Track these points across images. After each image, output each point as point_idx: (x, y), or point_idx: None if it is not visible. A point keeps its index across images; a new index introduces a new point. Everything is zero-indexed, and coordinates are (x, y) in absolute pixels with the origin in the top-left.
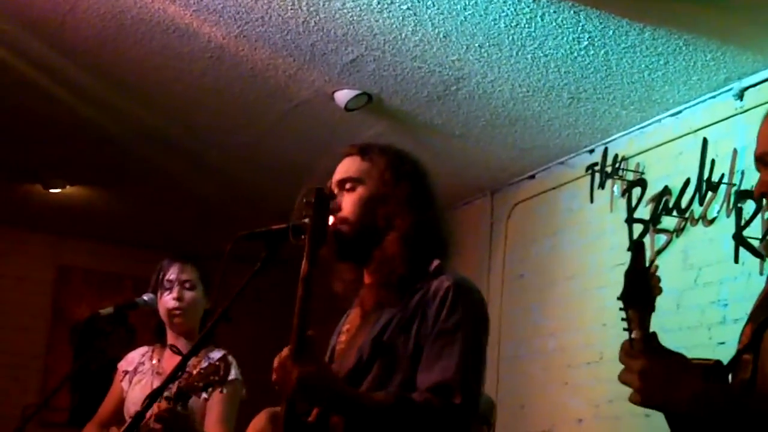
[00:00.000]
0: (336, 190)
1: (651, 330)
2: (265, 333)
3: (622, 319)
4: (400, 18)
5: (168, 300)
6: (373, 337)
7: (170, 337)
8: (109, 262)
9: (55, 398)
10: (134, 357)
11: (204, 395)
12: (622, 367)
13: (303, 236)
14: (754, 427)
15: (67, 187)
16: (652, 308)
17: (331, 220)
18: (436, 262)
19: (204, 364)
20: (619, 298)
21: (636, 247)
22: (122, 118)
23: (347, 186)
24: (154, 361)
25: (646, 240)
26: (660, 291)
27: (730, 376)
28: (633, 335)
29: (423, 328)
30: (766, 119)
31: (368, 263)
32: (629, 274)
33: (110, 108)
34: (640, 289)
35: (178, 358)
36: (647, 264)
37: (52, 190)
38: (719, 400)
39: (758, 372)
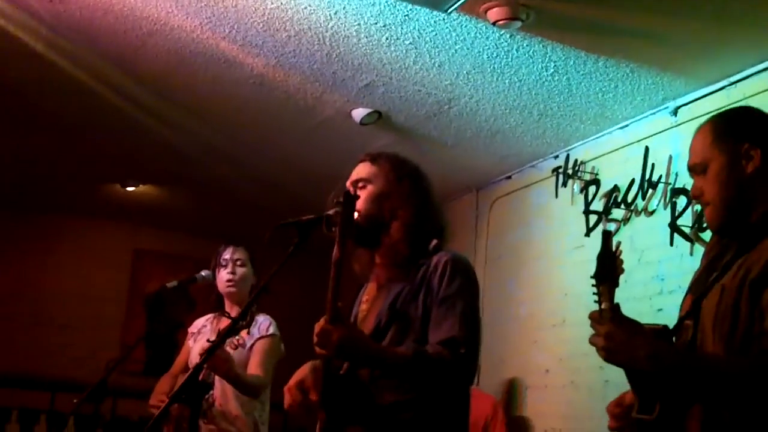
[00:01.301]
0: (351, 190)
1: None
2: (299, 304)
3: (594, 294)
4: (404, 50)
5: (224, 275)
6: (389, 305)
7: (227, 306)
8: (174, 246)
9: (133, 354)
10: (200, 322)
11: (246, 344)
12: (581, 328)
13: (334, 228)
14: (696, 378)
15: (140, 186)
16: (617, 284)
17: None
18: (434, 242)
19: (250, 326)
20: (592, 277)
21: (605, 235)
22: (183, 132)
23: (360, 185)
24: (215, 324)
25: (599, 227)
26: (623, 271)
27: (674, 339)
28: (602, 306)
29: (428, 295)
30: (696, 135)
31: (379, 247)
32: (600, 257)
33: (174, 124)
34: (609, 269)
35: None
36: (614, 249)
37: (128, 188)
38: (670, 357)
39: (698, 334)
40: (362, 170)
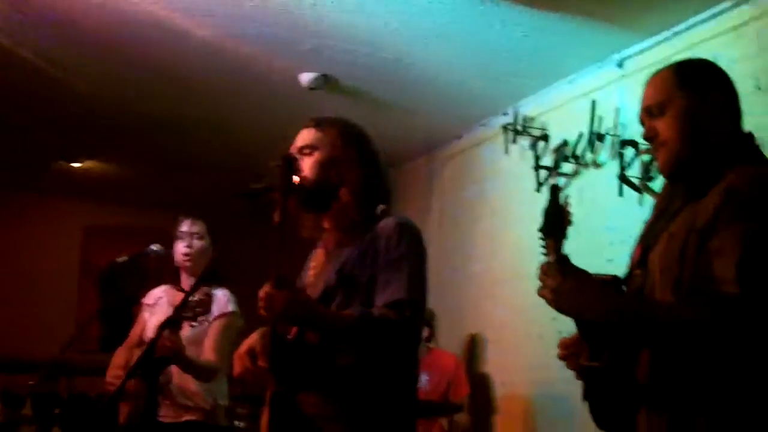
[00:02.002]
0: (297, 156)
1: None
2: (262, 272)
3: (541, 247)
4: (351, 13)
5: (180, 248)
6: (336, 270)
7: (183, 279)
8: (125, 221)
9: (88, 331)
10: (155, 293)
11: (203, 322)
12: (535, 281)
13: (275, 192)
14: (644, 327)
15: (87, 161)
16: (565, 237)
17: (296, 179)
18: (381, 207)
19: (208, 313)
20: (539, 230)
21: (553, 188)
22: (130, 105)
23: (306, 152)
24: (170, 297)
25: (549, 182)
26: (571, 223)
27: (624, 288)
28: (549, 259)
29: (375, 259)
30: (653, 78)
31: (327, 212)
32: (547, 211)
33: (121, 97)
34: (556, 222)
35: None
36: (562, 202)
37: (74, 165)
38: (619, 306)
39: (646, 283)
40: (307, 136)
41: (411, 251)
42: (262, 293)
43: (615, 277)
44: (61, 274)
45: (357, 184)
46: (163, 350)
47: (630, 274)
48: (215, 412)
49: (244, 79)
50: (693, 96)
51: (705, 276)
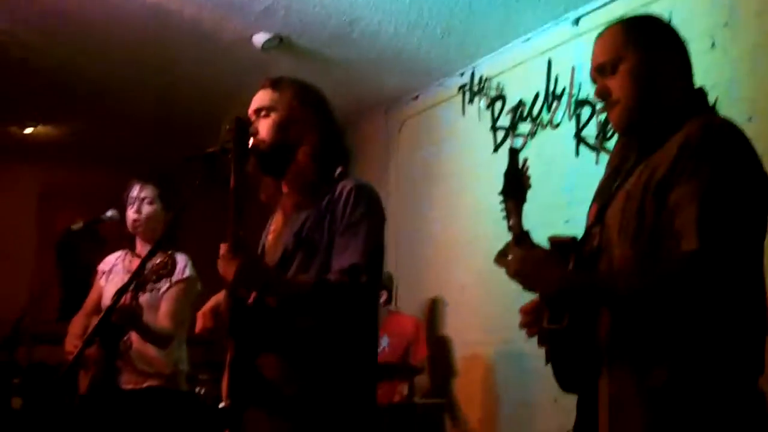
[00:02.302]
0: (253, 118)
1: (524, 229)
2: (219, 236)
3: (502, 210)
4: None
5: (130, 214)
6: (294, 233)
7: (138, 245)
8: (82, 184)
9: (46, 298)
10: (110, 259)
11: (160, 287)
12: (494, 242)
13: (229, 155)
14: (604, 301)
15: (39, 126)
16: (524, 200)
17: (251, 141)
18: (339, 169)
19: (173, 273)
20: (499, 194)
21: (512, 151)
22: (79, 67)
23: (262, 113)
24: (126, 263)
25: (507, 143)
26: (530, 186)
27: (583, 247)
28: (510, 222)
29: (333, 222)
30: (603, 35)
31: (285, 175)
32: (507, 174)
33: (68, 60)
34: (516, 185)
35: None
36: (520, 165)
37: (26, 131)
38: (578, 283)
39: (603, 241)
40: (264, 98)
41: (368, 215)
42: (220, 255)
43: (573, 239)
44: (19, 242)
45: (315, 146)
46: (121, 314)
47: (587, 232)
48: (176, 377)
49: (193, 39)
50: (644, 53)
51: (665, 231)
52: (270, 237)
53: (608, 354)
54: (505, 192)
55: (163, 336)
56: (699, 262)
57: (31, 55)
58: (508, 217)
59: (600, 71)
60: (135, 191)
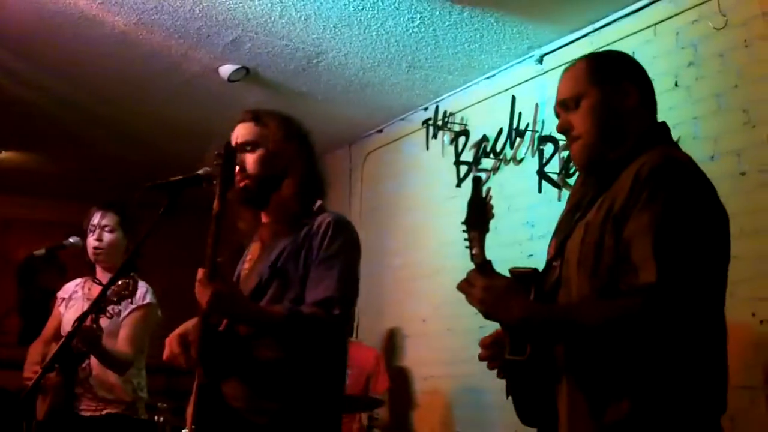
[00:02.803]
0: (238, 152)
1: (487, 257)
2: (181, 264)
3: (465, 239)
4: (269, 5)
5: (91, 241)
6: (270, 264)
7: (98, 272)
8: (43, 213)
9: (5, 324)
10: (70, 287)
11: (120, 311)
12: (455, 276)
13: (214, 182)
14: (566, 333)
15: (3, 152)
16: (488, 230)
17: (237, 175)
18: (319, 203)
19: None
20: (463, 223)
21: (476, 180)
22: (47, 94)
23: (248, 148)
24: (86, 290)
25: (470, 178)
26: (493, 216)
27: (544, 280)
28: (473, 252)
29: (309, 255)
30: (567, 72)
31: (266, 206)
32: (471, 204)
33: (37, 85)
34: (480, 215)
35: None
36: (484, 195)
37: None
38: (541, 315)
39: (563, 274)
40: (247, 132)
41: (344, 250)
42: (197, 280)
43: (534, 270)
44: None
45: (300, 177)
46: (83, 336)
47: (548, 266)
48: (136, 404)
49: (160, 69)
50: (606, 89)
51: (622, 264)
52: (246, 266)
53: (566, 388)
54: (468, 222)
55: (122, 361)
56: (658, 294)
57: None
58: (471, 247)
59: (563, 106)
60: (96, 219)
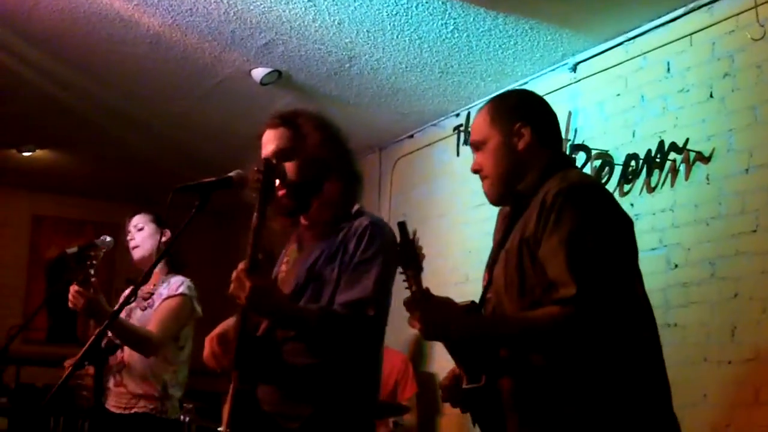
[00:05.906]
0: (273, 159)
1: (424, 286)
2: (209, 265)
3: (403, 281)
4: (303, 8)
5: (129, 244)
6: (307, 267)
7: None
8: (74, 211)
9: (35, 321)
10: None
11: (153, 304)
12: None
13: (254, 195)
14: (504, 341)
15: (37, 150)
16: (421, 268)
17: (278, 184)
18: (356, 206)
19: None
20: (397, 264)
21: (400, 225)
22: (79, 94)
23: (285, 157)
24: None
25: None
26: (424, 256)
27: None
28: (412, 289)
29: (345, 258)
30: (477, 114)
31: (308, 210)
32: (400, 246)
33: (70, 85)
34: (410, 255)
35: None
36: (411, 237)
37: (24, 154)
38: (477, 327)
39: (495, 302)
40: (281, 139)
41: (381, 253)
42: (235, 274)
43: (472, 302)
44: (10, 264)
45: (342, 180)
46: (86, 308)
47: (483, 298)
48: (164, 402)
49: (192, 72)
50: (504, 130)
51: (543, 282)
52: (282, 269)
53: (517, 412)
54: (402, 263)
55: (142, 337)
56: (581, 303)
57: (34, 79)
58: (408, 286)
59: (474, 147)
60: (129, 223)
